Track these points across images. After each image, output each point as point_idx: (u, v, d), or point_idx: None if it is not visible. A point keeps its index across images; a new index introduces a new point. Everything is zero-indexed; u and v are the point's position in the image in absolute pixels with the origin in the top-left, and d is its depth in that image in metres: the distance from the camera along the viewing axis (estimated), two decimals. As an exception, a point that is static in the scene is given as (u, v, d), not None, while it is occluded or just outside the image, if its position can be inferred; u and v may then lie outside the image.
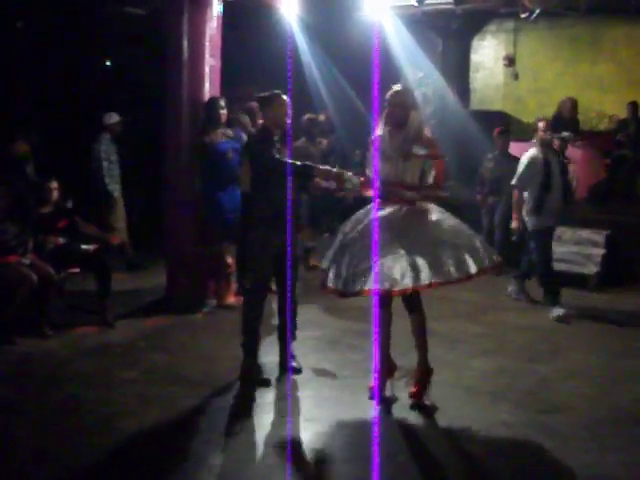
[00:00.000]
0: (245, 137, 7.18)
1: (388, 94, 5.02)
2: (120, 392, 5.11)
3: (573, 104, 10.66)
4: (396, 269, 4.53)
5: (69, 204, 6.95)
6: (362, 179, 5.13)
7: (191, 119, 7.21)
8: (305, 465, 4.12)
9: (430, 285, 4.55)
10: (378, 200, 4.82)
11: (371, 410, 4.71)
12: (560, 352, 6.17)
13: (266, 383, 5.25)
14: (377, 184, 4.84)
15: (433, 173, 4.95)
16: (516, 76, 12.64)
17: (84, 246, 6.81)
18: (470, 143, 10.23)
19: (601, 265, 8.63)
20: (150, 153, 9.51)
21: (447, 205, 5.13)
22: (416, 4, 10.90)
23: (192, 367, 5.62)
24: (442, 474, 4.11)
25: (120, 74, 11.31)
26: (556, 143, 9.58)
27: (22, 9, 10.35)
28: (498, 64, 12.91)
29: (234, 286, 7.42)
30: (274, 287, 5.82)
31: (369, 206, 4.96)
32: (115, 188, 8.79)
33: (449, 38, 12.25)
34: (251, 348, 5.34)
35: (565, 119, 10.57)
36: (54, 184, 6.84)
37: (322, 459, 4.18)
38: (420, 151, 4.89)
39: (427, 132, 5.06)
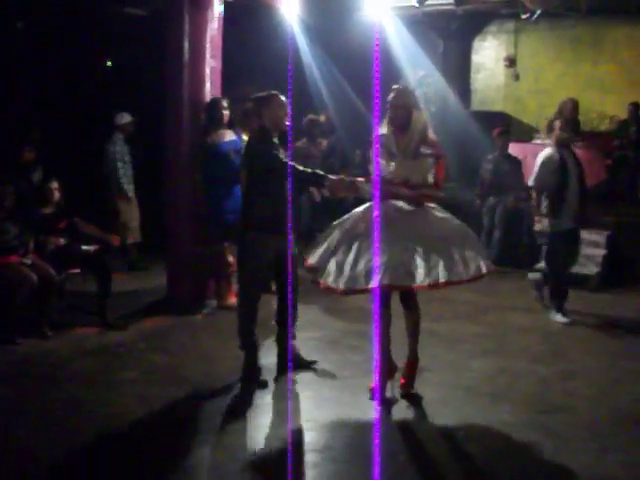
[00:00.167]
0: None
1: (390, 96, 5.03)
2: (120, 392, 5.12)
3: (574, 105, 10.64)
4: (412, 265, 4.59)
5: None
6: (364, 178, 5.14)
7: (192, 120, 7.21)
8: (305, 466, 4.11)
9: (446, 284, 4.64)
10: (380, 198, 4.83)
11: (371, 411, 4.71)
12: (560, 353, 6.16)
13: (263, 385, 5.24)
14: (379, 182, 4.86)
15: (433, 173, 4.98)
16: (517, 77, 12.64)
17: (85, 247, 6.81)
18: (471, 144, 10.23)
19: (602, 266, 8.61)
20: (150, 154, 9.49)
21: (447, 205, 5.15)
22: (417, 5, 10.90)
23: (192, 368, 5.62)
24: (442, 474, 4.11)
25: (120, 75, 11.31)
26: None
27: (23, 9, 10.35)
28: (499, 65, 12.91)
29: (235, 287, 7.42)
30: (274, 288, 5.82)
31: (368, 204, 4.97)
32: (130, 188, 8.85)
33: (450, 39, 12.24)
34: (250, 349, 5.34)
35: (566, 120, 10.57)
36: (55, 184, 6.84)
37: (322, 459, 4.18)
38: (426, 151, 4.95)
39: (430, 133, 5.09)
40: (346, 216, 5.07)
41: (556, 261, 7.16)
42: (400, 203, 4.90)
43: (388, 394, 5.01)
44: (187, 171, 7.21)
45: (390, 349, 5.09)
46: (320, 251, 4.93)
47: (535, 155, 10.26)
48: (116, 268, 7.83)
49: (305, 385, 5.31)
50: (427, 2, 10.94)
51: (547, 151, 7.19)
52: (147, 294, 7.68)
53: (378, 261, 4.54)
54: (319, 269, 4.85)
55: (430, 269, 4.60)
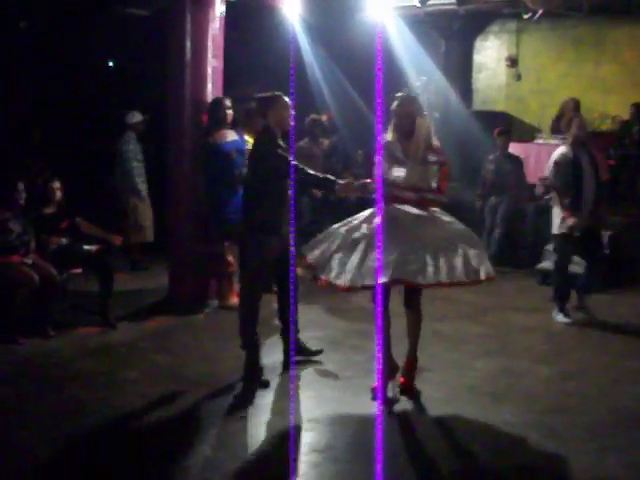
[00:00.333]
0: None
1: (394, 104, 5.11)
2: (122, 392, 5.12)
3: (576, 105, 10.63)
4: (421, 263, 4.67)
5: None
6: (371, 180, 5.20)
7: (193, 119, 7.21)
8: (307, 465, 4.11)
9: (449, 285, 4.74)
10: (384, 201, 4.90)
11: (373, 410, 4.71)
12: (562, 353, 6.16)
13: (265, 384, 5.24)
14: (383, 186, 4.93)
15: (436, 179, 5.05)
16: (519, 77, 12.62)
17: (86, 246, 6.81)
18: (472, 143, 10.22)
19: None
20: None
21: (448, 205, 5.18)
22: (419, 5, 10.89)
23: (194, 367, 5.62)
24: (444, 474, 4.11)
25: (122, 74, 11.32)
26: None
27: (24, 9, 10.36)
28: (501, 65, 12.90)
29: (236, 287, 7.42)
30: (274, 288, 5.83)
31: (373, 206, 5.02)
32: (143, 187, 8.84)
33: (452, 39, 12.23)
34: (252, 348, 5.34)
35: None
36: (57, 184, 6.84)
37: (324, 459, 4.17)
38: (432, 158, 5.03)
39: (434, 139, 5.15)
40: (350, 218, 5.11)
41: (562, 263, 7.12)
42: (407, 207, 4.95)
43: (389, 394, 5.01)
44: (189, 171, 7.21)
45: (391, 349, 5.11)
46: (320, 249, 4.97)
47: (537, 155, 10.36)
48: (119, 268, 7.85)
49: (307, 385, 5.32)
50: (429, 2, 10.93)
51: (561, 149, 7.11)
52: (149, 294, 7.68)
53: (385, 259, 4.61)
54: (318, 267, 4.90)
55: (437, 269, 4.67)
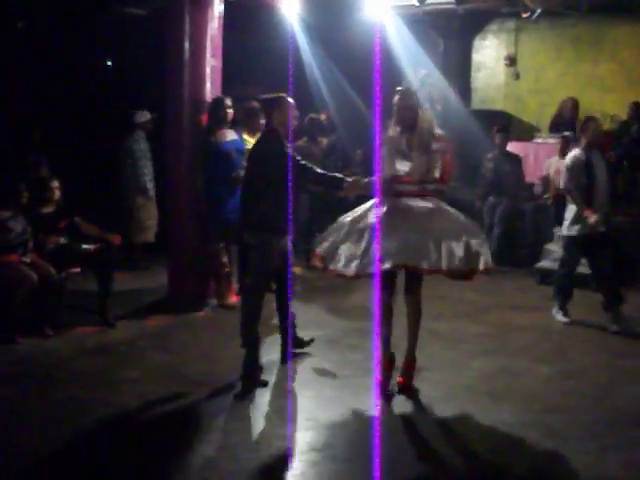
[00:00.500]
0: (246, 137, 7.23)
1: (395, 98, 5.16)
2: (121, 391, 5.12)
3: (574, 104, 10.66)
4: (424, 249, 4.74)
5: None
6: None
7: (192, 119, 7.21)
8: (306, 464, 4.11)
9: (448, 272, 4.79)
10: (388, 195, 4.99)
11: (372, 410, 4.71)
12: (561, 352, 6.16)
13: (263, 384, 5.25)
14: (386, 181, 5.03)
15: (440, 167, 5.09)
16: (517, 76, 12.61)
17: (85, 246, 6.81)
18: (471, 142, 10.22)
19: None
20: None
21: (447, 202, 5.19)
22: (417, 4, 10.88)
23: (193, 366, 5.63)
24: (443, 473, 4.12)
25: (121, 74, 11.31)
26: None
27: (23, 9, 10.35)
28: (499, 64, 12.89)
29: (235, 286, 7.43)
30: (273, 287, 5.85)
31: (376, 200, 5.09)
32: (150, 186, 8.84)
33: (450, 38, 12.22)
34: (252, 347, 5.34)
35: (566, 119, 10.58)
36: (55, 183, 6.84)
37: (323, 458, 4.18)
38: (435, 146, 5.08)
39: (437, 129, 5.21)
40: (355, 210, 5.19)
41: (568, 267, 7.05)
42: (410, 199, 5.01)
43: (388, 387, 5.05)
44: (188, 170, 7.22)
45: (390, 340, 5.17)
46: (329, 241, 5.07)
47: (535, 153, 10.37)
48: (122, 267, 7.85)
49: (305, 384, 5.32)
50: (428, 1, 10.92)
51: (573, 153, 7.01)
52: (148, 293, 7.68)
53: (389, 246, 4.71)
54: (326, 258, 5.00)
55: (439, 255, 4.74)
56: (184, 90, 7.21)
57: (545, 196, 9.57)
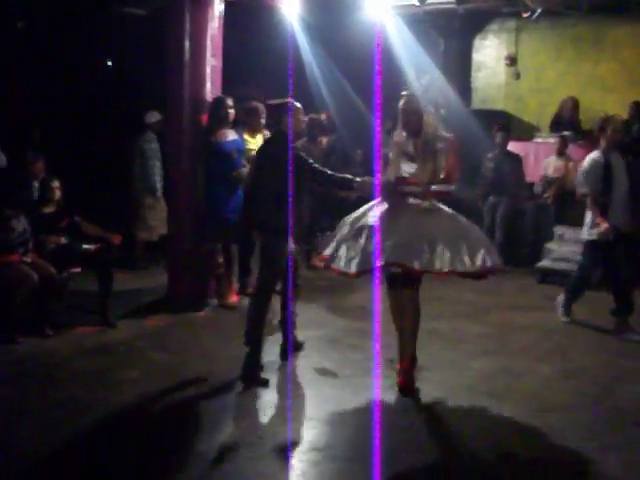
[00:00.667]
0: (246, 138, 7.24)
1: (401, 103, 5.20)
2: (121, 391, 5.11)
3: (574, 104, 10.66)
4: (420, 250, 4.75)
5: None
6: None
7: (192, 119, 7.21)
8: (306, 464, 4.11)
9: (449, 273, 4.79)
10: (391, 196, 5.05)
11: (372, 409, 4.71)
12: (561, 352, 6.16)
13: (264, 383, 5.25)
14: (389, 182, 5.08)
15: (444, 168, 5.10)
16: (518, 75, 12.61)
17: (85, 246, 6.80)
18: (472, 142, 10.20)
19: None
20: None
21: (449, 203, 5.19)
22: (418, 4, 10.88)
23: (193, 366, 5.62)
24: (443, 473, 4.12)
25: (121, 74, 11.32)
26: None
27: (23, 9, 10.36)
28: (500, 63, 12.89)
29: (235, 286, 7.43)
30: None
31: (377, 201, 5.13)
32: (159, 187, 8.86)
33: (451, 37, 12.22)
34: (255, 345, 5.35)
35: (566, 119, 10.58)
36: (56, 183, 6.83)
37: (323, 458, 4.18)
38: (440, 145, 5.10)
39: (442, 132, 5.24)
40: (358, 210, 5.23)
41: (585, 272, 6.89)
42: (412, 200, 5.04)
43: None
44: (188, 170, 7.21)
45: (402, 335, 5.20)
46: (333, 242, 5.11)
47: (535, 153, 10.36)
48: (122, 266, 7.85)
49: (306, 383, 5.32)
50: (428, 1, 10.93)
51: (592, 155, 6.75)
52: (148, 293, 7.67)
53: (384, 243, 4.74)
54: (329, 257, 5.05)
55: (434, 256, 4.74)
56: (184, 90, 7.20)
57: (545, 195, 9.57)
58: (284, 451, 4.21)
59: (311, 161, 5.34)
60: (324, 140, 9.84)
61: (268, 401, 5.04)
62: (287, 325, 5.73)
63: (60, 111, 10.32)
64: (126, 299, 7.34)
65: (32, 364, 5.70)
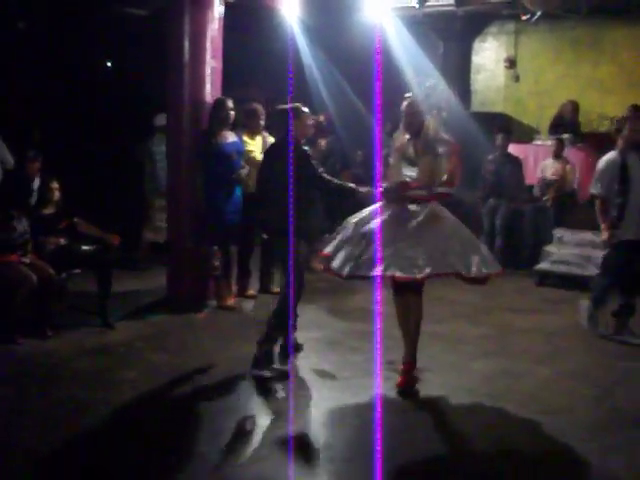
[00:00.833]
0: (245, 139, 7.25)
1: (403, 105, 5.25)
2: (120, 392, 5.10)
3: (574, 106, 10.67)
4: (418, 259, 4.79)
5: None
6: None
7: (192, 120, 7.21)
8: (305, 465, 4.11)
9: (446, 273, 4.86)
10: (394, 200, 5.07)
11: (371, 411, 4.71)
12: (561, 353, 6.16)
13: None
14: (391, 188, 5.11)
15: (446, 171, 5.14)
16: (517, 78, 12.62)
17: (85, 247, 6.80)
18: (471, 145, 10.22)
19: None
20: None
21: (448, 204, 5.20)
22: (417, 6, 10.91)
23: (193, 367, 5.61)
24: (443, 473, 4.11)
25: (120, 75, 11.32)
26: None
27: (23, 9, 10.35)
28: (499, 66, 12.90)
29: (234, 287, 7.42)
30: (276, 289, 5.88)
31: (381, 203, 5.15)
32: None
33: (450, 40, 12.23)
34: (271, 343, 5.47)
35: (566, 121, 10.59)
36: (55, 184, 6.83)
37: (322, 459, 4.18)
38: (441, 148, 5.13)
39: (443, 134, 5.25)
40: (362, 211, 5.26)
41: (608, 278, 6.64)
42: (414, 206, 5.05)
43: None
44: (187, 171, 7.21)
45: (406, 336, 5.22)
46: (335, 242, 5.13)
47: (535, 155, 10.38)
48: (122, 267, 7.83)
49: (305, 385, 5.32)
50: (427, 3, 10.95)
51: (610, 155, 6.58)
52: (147, 294, 7.67)
53: (383, 252, 4.79)
54: (329, 257, 5.08)
55: (434, 261, 4.79)
56: (184, 91, 7.20)
57: (544, 198, 9.58)
58: (283, 452, 4.21)
59: (321, 170, 5.43)
60: (322, 142, 9.84)
61: (267, 402, 5.03)
62: (287, 326, 5.72)
63: (60, 111, 10.30)
64: (125, 300, 7.34)
65: (32, 364, 5.69)
